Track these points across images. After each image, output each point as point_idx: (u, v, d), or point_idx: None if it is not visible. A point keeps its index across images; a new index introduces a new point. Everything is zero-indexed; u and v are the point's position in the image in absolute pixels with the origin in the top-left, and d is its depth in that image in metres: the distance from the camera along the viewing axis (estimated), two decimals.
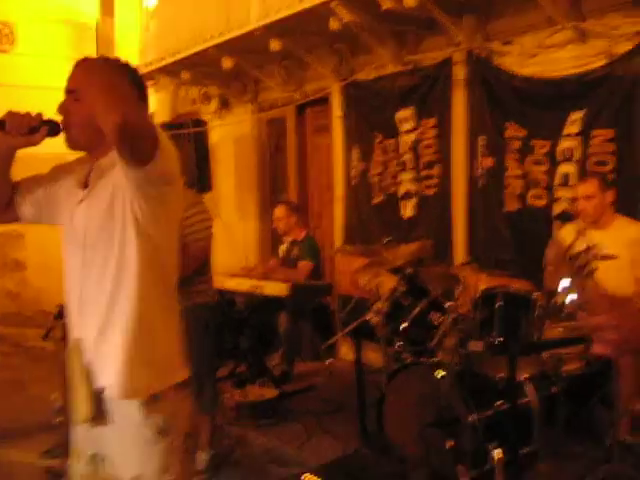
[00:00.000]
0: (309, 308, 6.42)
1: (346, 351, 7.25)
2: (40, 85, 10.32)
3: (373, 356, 5.30)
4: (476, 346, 3.76)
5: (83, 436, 2.34)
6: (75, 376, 2.26)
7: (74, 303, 2.29)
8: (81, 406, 2.23)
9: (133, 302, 2.20)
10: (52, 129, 2.25)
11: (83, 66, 2.31)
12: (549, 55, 5.38)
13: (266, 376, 5.95)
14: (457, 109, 6.06)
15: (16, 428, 5.72)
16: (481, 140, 5.78)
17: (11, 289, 10.85)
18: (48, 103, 9.91)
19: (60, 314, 4.53)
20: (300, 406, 5.74)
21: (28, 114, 2.21)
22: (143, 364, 2.22)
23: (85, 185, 2.30)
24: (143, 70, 8.77)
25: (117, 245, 2.19)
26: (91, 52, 11.24)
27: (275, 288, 5.85)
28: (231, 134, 8.99)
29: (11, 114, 2.19)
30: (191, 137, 8.96)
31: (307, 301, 6.30)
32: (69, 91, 2.29)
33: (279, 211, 6.79)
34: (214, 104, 9.11)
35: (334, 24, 6.07)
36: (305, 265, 6.46)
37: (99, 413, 2.23)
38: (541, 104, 5.35)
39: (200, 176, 8.71)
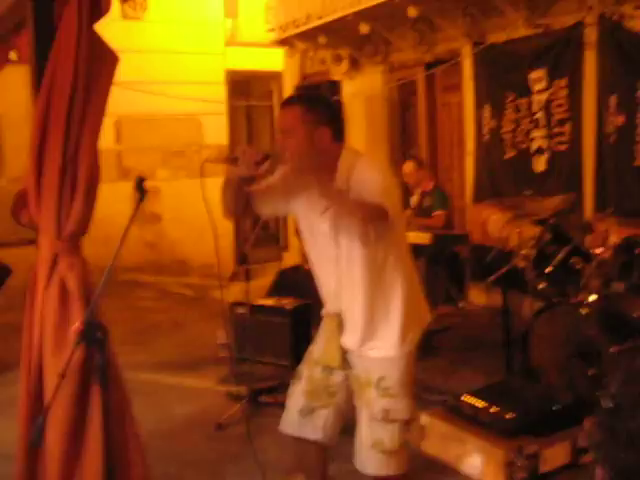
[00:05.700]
0: (445, 256, 6.92)
1: (476, 295, 7.74)
2: (169, 50, 10.97)
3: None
4: (618, 287, 4.22)
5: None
6: (331, 336, 2.91)
7: (331, 284, 2.86)
8: (332, 357, 2.90)
9: (384, 282, 2.78)
10: (274, 161, 2.70)
11: (293, 111, 2.75)
12: None
13: None
14: (588, 70, 6.36)
15: (187, 361, 6.37)
16: (613, 99, 6.07)
17: (149, 240, 11.53)
18: (176, 67, 10.52)
19: (242, 259, 5.19)
20: (440, 344, 6.24)
21: (255, 151, 2.69)
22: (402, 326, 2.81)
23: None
24: (279, 35, 9.34)
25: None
26: (218, 18, 11.79)
27: (419, 237, 6.39)
28: (362, 93, 9.43)
29: (243, 151, 2.69)
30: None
31: (445, 249, 6.80)
32: (283, 131, 2.75)
33: (407, 167, 7.26)
34: (345, 65, 9.51)
35: None
36: (440, 214, 6.96)
37: (345, 364, 2.89)
38: None
39: None
